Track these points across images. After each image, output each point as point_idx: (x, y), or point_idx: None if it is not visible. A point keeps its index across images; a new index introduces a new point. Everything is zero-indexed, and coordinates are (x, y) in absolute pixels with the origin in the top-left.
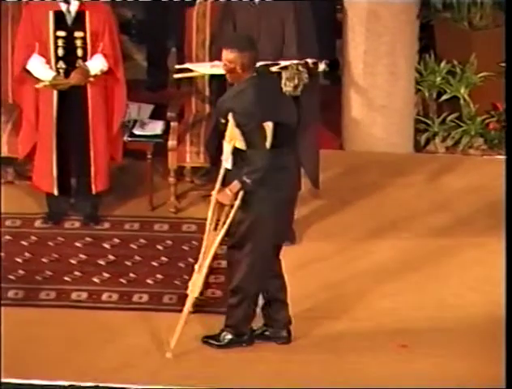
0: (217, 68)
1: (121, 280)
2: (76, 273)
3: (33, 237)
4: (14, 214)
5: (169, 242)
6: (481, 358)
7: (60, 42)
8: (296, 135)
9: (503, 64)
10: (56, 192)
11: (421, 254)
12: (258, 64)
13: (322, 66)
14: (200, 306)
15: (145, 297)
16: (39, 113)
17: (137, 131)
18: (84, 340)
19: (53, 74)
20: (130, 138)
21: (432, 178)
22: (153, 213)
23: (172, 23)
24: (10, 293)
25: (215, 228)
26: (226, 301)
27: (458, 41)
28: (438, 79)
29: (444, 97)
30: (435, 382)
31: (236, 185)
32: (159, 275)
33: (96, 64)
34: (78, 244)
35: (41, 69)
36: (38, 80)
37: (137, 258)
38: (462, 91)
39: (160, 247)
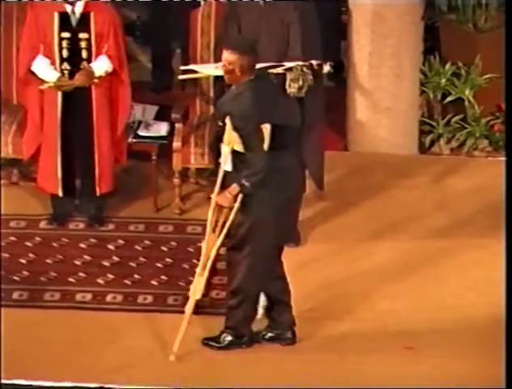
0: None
1: (126, 281)
2: (81, 274)
3: (38, 238)
4: (19, 215)
5: (174, 244)
6: (482, 359)
7: (64, 43)
8: (300, 137)
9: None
10: (60, 193)
11: (425, 256)
12: (263, 65)
13: (326, 68)
14: (204, 308)
15: (149, 299)
16: (43, 114)
17: (141, 132)
18: (88, 341)
19: (57, 75)
20: (134, 140)
21: (436, 180)
22: (158, 214)
23: (176, 25)
24: (15, 294)
25: (215, 231)
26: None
27: (463, 43)
28: (443, 80)
29: (449, 99)
30: (436, 383)
31: (235, 188)
32: (163, 277)
33: (101, 65)
34: (82, 245)
35: (46, 70)
36: (43, 81)
37: (141, 259)
38: (467, 92)
39: (164, 248)
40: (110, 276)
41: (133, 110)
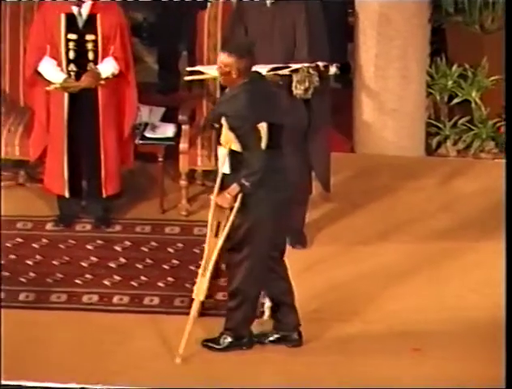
0: None
1: (132, 283)
2: (87, 276)
3: (44, 240)
4: (26, 216)
5: (180, 245)
6: (487, 360)
7: (71, 45)
8: (306, 138)
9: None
10: (67, 194)
11: (432, 258)
12: (270, 66)
13: (332, 70)
14: (210, 310)
15: (156, 300)
16: (50, 115)
17: (148, 134)
18: (95, 343)
19: (63, 76)
20: (141, 141)
21: (443, 182)
22: (164, 216)
23: (183, 26)
24: (22, 296)
25: (216, 232)
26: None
27: (470, 45)
28: (450, 82)
29: (455, 101)
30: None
31: (234, 188)
32: (170, 278)
33: (107, 67)
34: (89, 247)
35: (52, 71)
36: (49, 82)
37: (148, 260)
38: (474, 94)
39: (171, 250)
40: (117, 278)
41: (139, 112)
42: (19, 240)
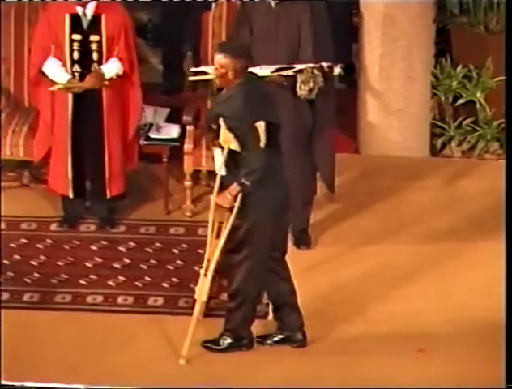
0: None
1: (137, 284)
2: (92, 276)
3: (49, 241)
4: (30, 217)
5: (185, 246)
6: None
7: (75, 45)
8: (310, 138)
9: None
10: (71, 195)
11: (436, 258)
12: (274, 67)
13: (337, 70)
14: (215, 310)
15: (160, 301)
16: (54, 115)
17: (153, 135)
18: (99, 343)
19: (68, 77)
20: (145, 142)
21: (447, 183)
22: (169, 217)
23: (188, 27)
24: (26, 296)
25: (218, 233)
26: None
27: (475, 45)
28: (454, 83)
29: (460, 101)
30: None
31: (235, 187)
32: (174, 279)
33: (112, 68)
34: (93, 247)
35: (57, 71)
36: (54, 83)
37: (152, 261)
38: (479, 95)
39: (175, 251)
40: (121, 278)
41: (144, 112)
42: (24, 240)
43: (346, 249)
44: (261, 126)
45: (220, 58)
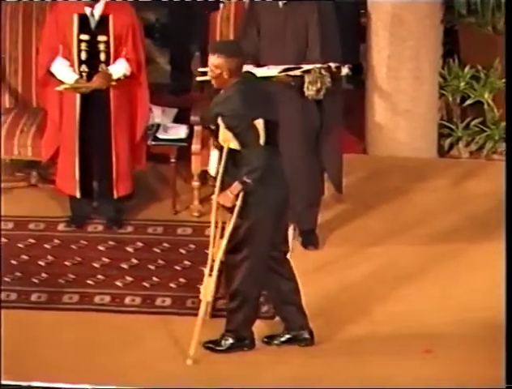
0: None
1: (144, 284)
2: (99, 277)
3: (56, 241)
4: (38, 217)
5: (192, 246)
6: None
7: (83, 46)
8: (318, 139)
9: None
10: (78, 195)
11: (443, 259)
12: (282, 67)
13: (344, 70)
14: (222, 311)
15: (168, 301)
16: (62, 114)
17: (161, 135)
18: (107, 344)
19: (75, 77)
20: (153, 142)
21: (455, 183)
22: (176, 217)
23: (195, 27)
24: (34, 297)
25: (221, 233)
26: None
27: (483, 46)
28: (462, 83)
29: (468, 102)
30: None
31: (236, 186)
32: (182, 279)
33: (119, 68)
34: (101, 247)
35: (64, 71)
36: (61, 82)
37: (160, 261)
38: (486, 96)
39: (183, 251)
40: (129, 279)
41: (152, 113)
42: (31, 240)
43: (353, 249)
44: (259, 123)
45: (214, 59)
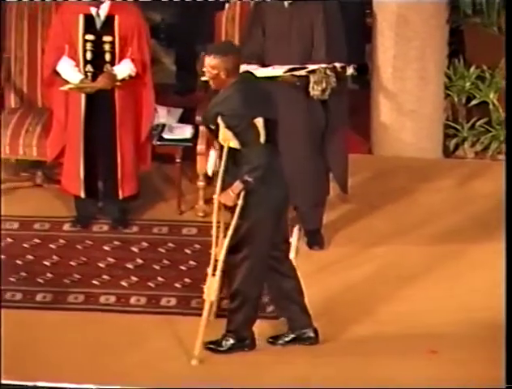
0: None
1: (150, 284)
2: (104, 277)
3: (62, 241)
4: (43, 217)
5: (198, 246)
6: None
7: (88, 46)
8: (323, 139)
9: None
10: (83, 195)
11: (448, 259)
12: (287, 67)
13: (350, 71)
14: (226, 311)
15: (173, 301)
16: (68, 114)
17: (166, 135)
18: (112, 344)
19: (80, 77)
20: (158, 142)
21: (461, 184)
22: (181, 217)
23: (201, 27)
24: (39, 297)
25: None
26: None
27: (488, 46)
28: (468, 84)
29: (473, 102)
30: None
31: (238, 185)
32: (187, 279)
33: (124, 69)
34: (106, 247)
35: (70, 71)
36: (66, 82)
37: (165, 261)
38: (492, 96)
39: (188, 251)
40: (134, 279)
41: (157, 113)
42: (37, 240)
43: (358, 249)
44: (259, 122)
45: (210, 60)
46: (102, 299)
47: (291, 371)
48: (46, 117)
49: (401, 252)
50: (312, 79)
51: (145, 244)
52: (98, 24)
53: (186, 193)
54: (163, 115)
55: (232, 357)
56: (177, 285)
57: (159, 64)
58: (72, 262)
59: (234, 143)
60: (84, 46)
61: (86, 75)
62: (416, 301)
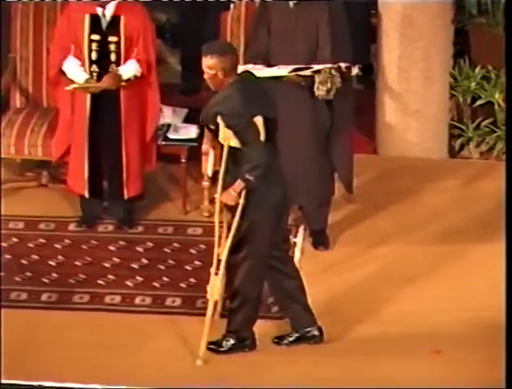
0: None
1: (155, 284)
2: (110, 276)
3: (67, 241)
4: (48, 217)
5: (203, 246)
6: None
7: (94, 46)
8: (328, 139)
9: None
10: (87, 194)
11: (454, 259)
12: (292, 67)
13: (355, 71)
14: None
15: (178, 301)
16: (74, 112)
17: (171, 135)
18: (117, 344)
19: (86, 76)
20: (164, 142)
21: (466, 184)
22: (187, 217)
23: (206, 27)
24: (44, 296)
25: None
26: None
27: (493, 46)
28: (473, 84)
29: (478, 102)
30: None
31: (239, 184)
32: (192, 279)
33: (129, 69)
34: (111, 247)
35: (75, 71)
36: (72, 82)
37: (170, 261)
38: (497, 96)
39: (193, 251)
40: (139, 279)
41: (162, 113)
42: (42, 240)
43: (363, 249)
44: (259, 120)
45: (207, 60)
46: (107, 299)
47: (295, 371)
48: (51, 117)
49: (406, 252)
50: (317, 79)
51: (150, 244)
52: (104, 24)
53: (191, 193)
54: (168, 115)
55: (237, 358)
56: (183, 285)
57: (164, 64)
58: (77, 262)
59: (234, 142)
60: (90, 46)
61: (91, 75)
62: (419, 302)
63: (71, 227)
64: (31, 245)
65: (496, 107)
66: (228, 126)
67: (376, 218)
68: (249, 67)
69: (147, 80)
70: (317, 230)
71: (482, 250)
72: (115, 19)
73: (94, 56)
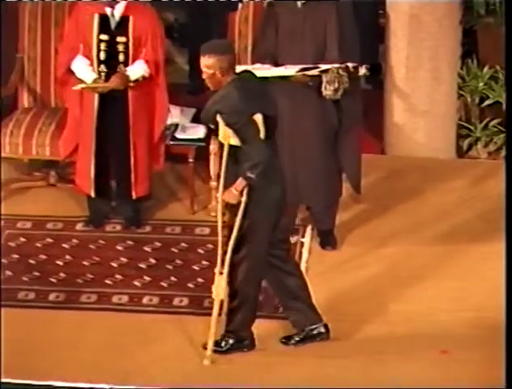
0: (258, 71)
1: (162, 284)
2: (117, 276)
3: (74, 240)
4: (56, 217)
5: (210, 246)
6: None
7: (102, 46)
8: (336, 139)
9: None
10: (93, 194)
11: (462, 259)
12: (299, 67)
13: (362, 71)
14: None
15: (185, 301)
16: (82, 113)
17: (179, 135)
18: (124, 343)
19: (94, 76)
20: (171, 142)
21: (474, 184)
22: (194, 217)
23: (214, 27)
24: (52, 296)
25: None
26: (267, 304)
27: (501, 46)
28: (481, 84)
29: (486, 102)
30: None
31: (241, 182)
32: (200, 279)
33: (137, 70)
34: (119, 247)
35: (84, 70)
36: (81, 81)
37: (178, 261)
38: (505, 96)
39: (201, 251)
40: (146, 278)
41: (170, 113)
42: (50, 240)
43: (371, 249)
44: (258, 118)
45: (205, 60)
46: (115, 299)
47: (302, 371)
48: (59, 117)
49: (414, 252)
50: (324, 78)
51: (158, 244)
52: (113, 25)
53: (199, 193)
54: (176, 115)
55: (244, 358)
56: (190, 285)
57: (172, 64)
58: (85, 262)
59: (234, 141)
60: (98, 46)
61: (99, 75)
62: (427, 301)
63: (79, 227)
64: (38, 244)
65: (504, 107)
66: (227, 125)
67: (383, 218)
68: (257, 67)
69: (155, 81)
70: (325, 230)
71: (492, 250)
72: (124, 20)
73: (102, 56)
